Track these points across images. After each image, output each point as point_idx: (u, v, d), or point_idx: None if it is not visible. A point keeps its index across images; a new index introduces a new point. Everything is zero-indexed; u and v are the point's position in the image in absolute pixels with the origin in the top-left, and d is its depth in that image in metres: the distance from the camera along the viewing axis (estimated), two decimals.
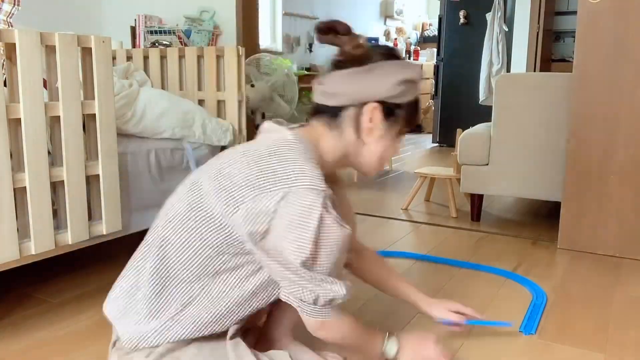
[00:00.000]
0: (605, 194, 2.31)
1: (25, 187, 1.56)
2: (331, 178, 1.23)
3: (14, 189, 1.53)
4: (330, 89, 1.14)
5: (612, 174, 2.29)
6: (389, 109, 1.15)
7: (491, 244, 2.49)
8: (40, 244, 1.62)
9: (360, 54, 1.13)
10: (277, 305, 1.33)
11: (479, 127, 3.01)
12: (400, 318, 1.70)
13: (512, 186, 2.75)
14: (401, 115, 1.16)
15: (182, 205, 1.12)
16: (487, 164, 2.79)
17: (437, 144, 6.28)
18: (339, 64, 1.15)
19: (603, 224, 2.34)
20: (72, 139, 1.68)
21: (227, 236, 1.07)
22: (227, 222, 1.06)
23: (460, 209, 3.13)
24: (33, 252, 1.61)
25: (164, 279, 1.11)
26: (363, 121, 1.14)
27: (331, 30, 1.14)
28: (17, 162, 1.56)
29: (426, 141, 6.60)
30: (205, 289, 1.11)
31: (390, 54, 1.16)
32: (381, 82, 1.12)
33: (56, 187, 1.68)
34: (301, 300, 1.08)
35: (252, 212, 1.03)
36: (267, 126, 1.18)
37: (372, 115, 1.14)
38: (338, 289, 1.09)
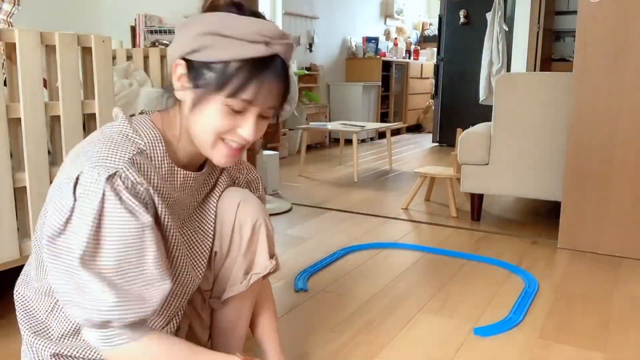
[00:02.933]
0: (605, 194, 2.31)
1: (25, 187, 1.56)
2: (195, 166, 1.06)
3: (14, 189, 1.53)
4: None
5: (612, 174, 2.29)
6: (193, 69, 0.91)
7: (491, 244, 2.49)
8: None
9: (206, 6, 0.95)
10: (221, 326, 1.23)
11: (479, 127, 3.01)
12: (400, 318, 1.70)
13: (512, 186, 2.75)
14: (212, 78, 0.89)
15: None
16: (487, 164, 2.79)
17: (437, 144, 6.28)
18: None
19: (603, 224, 2.34)
20: (72, 138, 1.68)
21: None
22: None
23: (460, 208, 3.13)
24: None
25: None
26: (175, 84, 0.94)
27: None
28: (17, 162, 1.56)
29: (426, 141, 6.60)
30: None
31: (218, 6, 0.93)
32: (185, 34, 0.91)
33: None
34: (75, 316, 0.87)
35: (54, 204, 0.89)
36: (113, 113, 1.02)
37: (180, 75, 0.93)
38: (134, 303, 0.86)
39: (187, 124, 0.96)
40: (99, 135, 0.95)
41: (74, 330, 0.99)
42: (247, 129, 0.93)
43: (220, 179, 1.16)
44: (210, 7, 0.93)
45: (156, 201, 0.94)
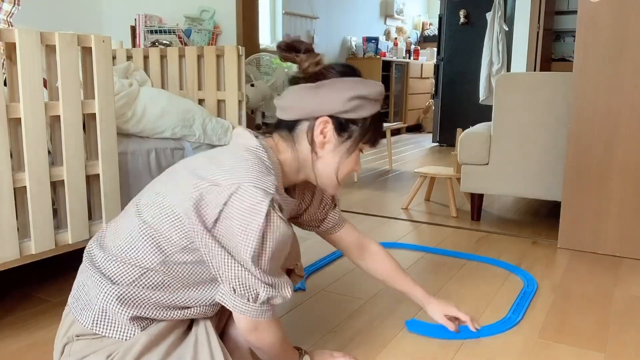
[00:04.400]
0: (605, 194, 2.31)
1: (25, 186, 1.56)
2: (289, 190, 1.31)
3: (14, 189, 1.53)
4: (286, 103, 1.20)
5: (612, 174, 2.29)
6: (341, 124, 1.18)
7: (491, 244, 2.49)
8: (40, 243, 1.62)
9: (315, 71, 1.19)
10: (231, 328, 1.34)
11: (479, 127, 3.01)
12: (400, 318, 1.70)
13: (512, 186, 2.75)
14: (356, 131, 1.19)
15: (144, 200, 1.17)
16: (487, 164, 2.79)
17: (437, 144, 6.28)
18: (295, 80, 1.21)
19: (603, 224, 2.34)
20: (72, 138, 1.68)
21: (179, 225, 1.09)
22: (180, 211, 1.09)
23: (460, 208, 3.13)
24: (33, 252, 1.61)
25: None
26: (315, 134, 1.18)
27: (292, 49, 1.19)
28: (17, 162, 1.56)
29: (426, 140, 6.60)
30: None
31: (345, 71, 1.20)
32: (333, 96, 1.16)
33: (56, 186, 1.69)
34: (240, 295, 1.09)
35: (204, 200, 1.06)
36: (237, 131, 1.22)
37: (324, 128, 1.18)
38: (280, 288, 1.12)
39: (309, 163, 1.22)
40: (244, 153, 1.13)
41: (159, 304, 1.13)
42: (359, 166, 1.27)
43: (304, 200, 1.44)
44: (319, 73, 1.19)
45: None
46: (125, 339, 1.10)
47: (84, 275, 1.16)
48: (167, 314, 1.14)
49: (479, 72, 4.77)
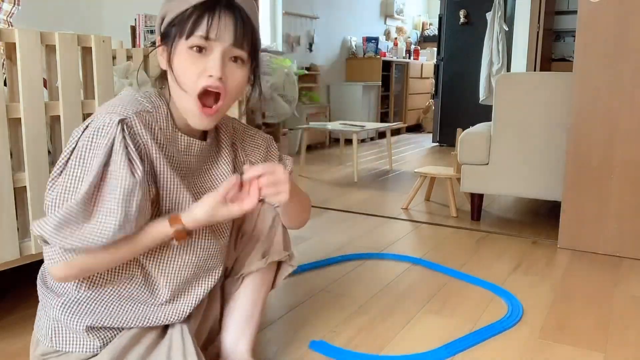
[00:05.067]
0: (605, 194, 2.31)
1: (25, 186, 1.56)
2: (203, 134, 1.16)
3: (14, 189, 1.53)
4: None
5: (612, 174, 2.29)
6: (165, 35, 1.05)
7: (491, 244, 2.49)
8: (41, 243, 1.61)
9: None
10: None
11: (479, 127, 3.01)
12: (400, 318, 1.70)
13: (512, 186, 2.75)
14: (174, 30, 1.02)
15: None
16: (487, 164, 2.79)
17: (437, 144, 6.28)
18: None
19: (603, 224, 2.34)
20: None
21: None
22: None
23: (460, 208, 3.13)
24: (33, 252, 1.61)
25: None
26: (160, 61, 1.07)
27: None
28: (17, 162, 1.56)
29: (426, 140, 6.60)
30: None
31: None
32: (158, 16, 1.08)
33: None
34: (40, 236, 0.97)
35: (64, 150, 1.01)
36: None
37: (159, 53, 1.07)
38: (60, 232, 0.94)
39: (170, 85, 1.06)
40: (113, 98, 1.07)
41: (103, 301, 1.07)
42: (212, 63, 1.01)
43: (223, 153, 1.22)
44: None
45: (155, 156, 1.04)
46: (87, 353, 1.05)
47: (39, 293, 1.12)
48: (120, 315, 1.08)
49: (479, 72, 4.78)
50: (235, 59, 1.04)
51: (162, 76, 1.11)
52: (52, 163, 1.68)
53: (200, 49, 1.01)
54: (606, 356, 1.49)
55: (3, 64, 1.57)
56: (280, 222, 1.31)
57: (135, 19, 3.50)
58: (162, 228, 1.03)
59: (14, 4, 2.16)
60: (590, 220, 2.36)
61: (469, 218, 2.94)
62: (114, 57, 1.86)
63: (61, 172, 0.99)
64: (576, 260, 2.28)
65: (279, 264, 1.35)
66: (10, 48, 1.52)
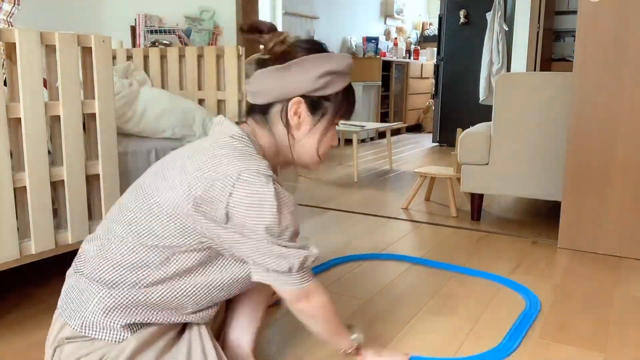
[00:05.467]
0: (605, 194, 2.31)
1: (25, 186, 1.56)
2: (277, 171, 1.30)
3: (14, 189, 1.53)
4: (256, 87, 1.17)
5: (612, 174, 2.29)
6: (314, 102, 1.17)
7: (491, 244, 2.49)
8: (41, 243, 1.62)
9: (282, 51, 1.15)
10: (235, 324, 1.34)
11: (479, 127, 3.01)
12: (400, 318, 1.70)
13: (512, 186, 2.75)
14: (330, 107, 1.18)
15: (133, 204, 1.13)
16: (487, 164, 2.79)
17: (437, 144, 6.28)
18: (262, 63, 1.17)
19: (603, 224, 2.34)
20: (72, 138, 1.68)
21: (182, 229, 1.08)
22: (175, 211, 1.07)
23: (460, 208, 3.13)
24: (33, 252, 1.61)
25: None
26: (290, 116, 1.16)
27: (255, 30, 1.16)
28: (17, 162, 1.56)
29: (426, 140, 6.60)
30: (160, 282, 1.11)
31: (312, 48, 1.17)
32: (302, 76, 1.14)
33: (56, 186, 1.68)
34: (276, 271, 1.10)
35: (206, 197, 1.05)
36: (217, 120, 1.20)
37: (297, 109, 1.16)
38: (307, 249, 1.14)
39: (287, 146, 1.20)
40: (231, 142, 1.12)
41: (143, 308, 1.11)
42: (336, 140, 1.25)
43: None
44: (286, 52, 1.15)
45: None
46: (117, 341, 1.08)
47: (74, 280, 1.14)
48: (161, 317, 1.13)
49: (479, 72, 4.77)
50: None
51: (252, 111, 1.21)
52: (52, 163, 1.68)
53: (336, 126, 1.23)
54: (606, 356, 1.49)
55: (3, 64, 1.57)
56: None
57: (135, 19, 3.50)
58: (344, 341, 1.30)
59: (14, 4, 2.16)
60: (590, 220, 2.36)
61: (469, 218, 2.94)
62: (114, 57, 1.86)
63: (227, 220, 1.06)
64: (576, 260, 2.27)
65: None
66: (10, 48, 1.52)
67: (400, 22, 8.13)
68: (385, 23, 7.75)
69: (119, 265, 1.09)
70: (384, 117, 7.08)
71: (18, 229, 1.56)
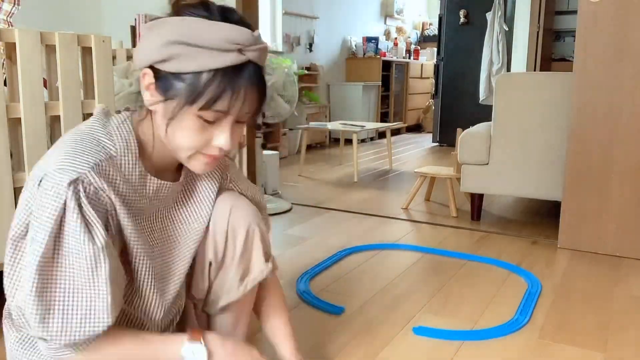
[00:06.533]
0: (605, 194, 2.31)
1: None
2: (172, 172, 1.05)
3: (14, 189, 1.53)
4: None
5: (612, 174, 2.29)
6: (162, 79, 0.88)
7: (491, 243, 2.49)
8: None
9: (173, 6, 0.91)
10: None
11: (479, 127, 3.01)
12: (400, 318, 1.70)
13: (512, 186, 2.75)
14: (182, 90, 0.86)
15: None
16: (487, 164, 2.79)
17: (437, 144, 6.28)
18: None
19: (603, 224, 2.34)
20: None
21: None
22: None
23: (460, 208, 3.13)
24: None
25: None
26: (142, 92, 0.91)
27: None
28: (17, 162, 1.56)
29: (426, 140, 6.60)
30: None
31: (194, 11, 0.87)
32: (153, 41, 0.87)
33: None
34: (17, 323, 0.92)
35: (21, 203, 0.90)
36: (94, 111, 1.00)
37: (148, 84, 0.90)
38: (52, 328, 0.85)
39: (160, 133, 0.93)
40: (71, 135, 0.92)
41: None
42: (223, 139, 0.90)
43: (203, 186, 1.11)
44: (175, 6, 0.89)
45: (118, 209, 0.92)
46: None
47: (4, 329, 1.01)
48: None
49: (479, 72, 4.77)
50: (242, 121, 0.93)
51: (140, 101, 0.95)
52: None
53: (210, 121, 0.89)
54: (606, 356, 1.48)
55: (3, 64, 1.57)
56: (257, 227, 1.13)
57: (135, 19, 3.50)
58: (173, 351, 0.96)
59: (14, 4, 2.16)
60: (590, 220, 2.36)
61: (469, 218, 2.94)
62: (114, 57, 1.86)
63: (24, 234, 0.89)
64: (576, 260, 2.27)
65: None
66: (10, 48, 1.52)
67: (400, 22, 8.13)
68: (385, 23, 7.75)
69: (11, 291, 0.95)
70: (384, 117, 7.08)
71: None
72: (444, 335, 1.58)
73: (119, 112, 0.99)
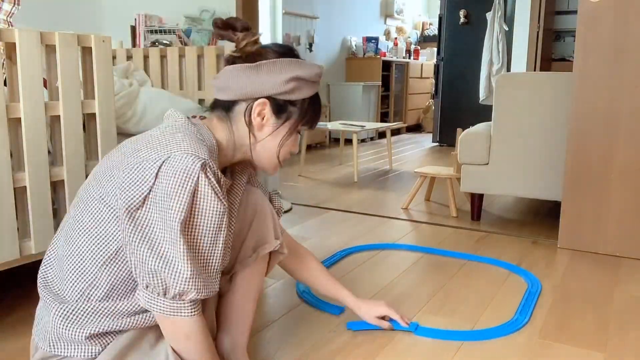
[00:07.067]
0: (605, 194, 2.31)
1: (25, 186, 1.56)
2: (229, 169, 1.27)
3: (14, 189, 1.53)
4: (223, 83, 1.15)
5: (612, 174, 2.29)
6: (279, 105, 1.16)
7: (491, 244, 2.49)
8: (40, 243, 1.62)
9: (253, 51, 1.15)
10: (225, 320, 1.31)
11: (479, 127, 3.01)
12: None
13: (512, 186, 2.75)
14: (294, 112, 1.17)
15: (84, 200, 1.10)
16: (487, 164, 2.79)
17: (437, 143, 6.28)
18: (232, 60, 1.16)
19: (603, 224, 2.34)
20: (72, 138, 1.68)
21: (114, 216, 1.03)
22: (110, 198, 1.03)
23: (460, 208, 3.13)
24: (33, 252, 1.61)
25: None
26: (253, 116, 1.15)
27: (229, 27, 1.15)
28: (17, 162, 1.56)
29: (426, 140, 6.60)
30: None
31: (284, 52, 1.17)
32: (271, 77, 1.13)
33: (56, 186, 1.68)
34: (150, 290, 1.01)
35: (131, 180, 1.01)
36: (167, 114, 1.18)
37: (262, 110, 1.15)
38: (195, 282, 1.01)
39: (247, 145, 1.18)
40: (171, 129, 1.08)
41: (104, 313, 1.06)
42: (297, 147, 1.24)
43: (238, 180, 1.30)
44: (257, 53, 1.15)
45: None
46: (87, 357, 1.05)
47: (41, 295, 1.11)
48: (124, 323, 1.07)
49: (479, 72, 4.77)
50: None
51: (216, 107, 1.19)
52: (52, 163, 1.68)
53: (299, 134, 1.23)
54: (606, 356, 1.49)
55: (3, 64, 1.57)
56: (270, 207, 1.31)
57: (135, 19, 3.50)
58: None
59: (14, 4, 2.16)
60: (590, 220, 2.36)
61: (469, 218, 2.94)
62: (114, 57, 1.86)
63: (138, 208, 1.00)
64: (576, 260, 2.28)
65: (270, 253, 1.34)
66: (10, 48, 1.52)
67: (400, 22, 8.13)
68: (385, 23, 7.75)
69: (65, 273, 1.06)
70: (384, 117, 7.08)
71: (18, 229, 1.56)
72: (444, 335, 1.59)
73: (194, 117, 1.20)
